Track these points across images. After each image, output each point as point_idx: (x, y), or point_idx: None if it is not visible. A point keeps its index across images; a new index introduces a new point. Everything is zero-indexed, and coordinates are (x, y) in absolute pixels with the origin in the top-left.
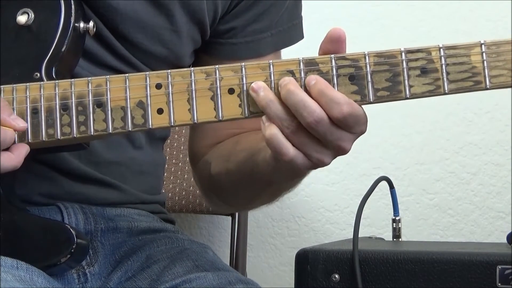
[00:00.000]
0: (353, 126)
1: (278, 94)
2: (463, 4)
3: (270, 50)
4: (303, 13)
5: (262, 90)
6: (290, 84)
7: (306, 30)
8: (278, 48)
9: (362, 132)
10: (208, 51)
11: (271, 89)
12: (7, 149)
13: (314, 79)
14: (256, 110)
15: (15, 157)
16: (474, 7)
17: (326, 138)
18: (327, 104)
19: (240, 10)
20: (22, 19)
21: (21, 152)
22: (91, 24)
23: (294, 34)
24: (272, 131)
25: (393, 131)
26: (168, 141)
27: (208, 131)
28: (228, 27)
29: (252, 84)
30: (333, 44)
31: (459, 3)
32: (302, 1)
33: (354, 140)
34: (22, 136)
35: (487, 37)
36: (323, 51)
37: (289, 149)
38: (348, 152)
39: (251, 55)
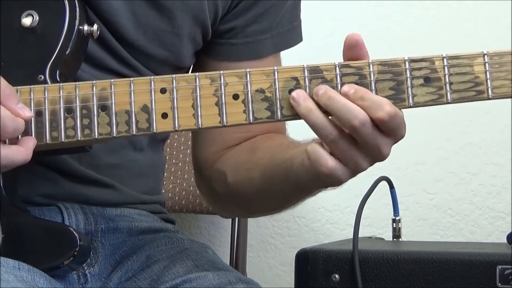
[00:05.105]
0: (395, 129)
1: (316, 103)
2: (463, 4)
3: (270, 52)
4: (303, 13)
5: (303, 100)
6: (329, 91)
7: (306, 30)
8: (278, 49)
9: (402, 137)
10: (207, 51)
11: (275, 96)
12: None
13: (353, 88)
14: (260, 116)
15: (25, 150)
16: (474, 7)
17: (368, 142)
18: (370, 107)
19: (240, 10)
20: (26, 21)
21: (29, 145)
22: (95, 27)
23: (294, 36)
24: (312, 144)
25: None
26: (168, 141)
27: (214, 136)
28: (228, 27)
29: (292, 94)
30: (352, 50)
31: (459, 3)
32: (303, 1)
33: (392, 145)
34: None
35: (487, 37)
36: (348, 59)
37: (328, 161)
38: (386, 157)
39: (250, 56)
